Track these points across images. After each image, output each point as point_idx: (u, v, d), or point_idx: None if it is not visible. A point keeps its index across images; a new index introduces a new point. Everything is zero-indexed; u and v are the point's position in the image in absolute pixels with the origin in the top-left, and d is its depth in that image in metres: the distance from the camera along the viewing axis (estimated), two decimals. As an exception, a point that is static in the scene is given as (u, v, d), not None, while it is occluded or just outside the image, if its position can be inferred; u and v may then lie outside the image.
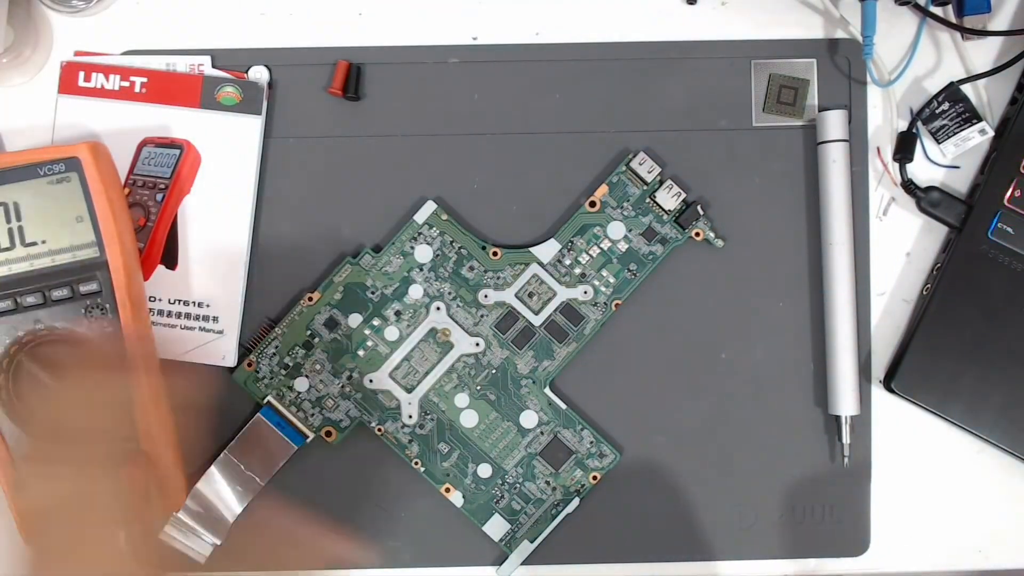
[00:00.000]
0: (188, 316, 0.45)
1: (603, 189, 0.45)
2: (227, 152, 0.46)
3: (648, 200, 0.45)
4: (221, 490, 0.44)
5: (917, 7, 0.46)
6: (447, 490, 0.45)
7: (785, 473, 0.46)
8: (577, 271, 0.45)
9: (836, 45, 0.47)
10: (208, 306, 0.46)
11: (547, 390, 0.45)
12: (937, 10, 0.46)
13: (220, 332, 0.45)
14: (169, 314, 0.46)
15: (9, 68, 0.46)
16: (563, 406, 0.45)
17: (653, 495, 0.46)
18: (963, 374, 0.44)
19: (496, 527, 0.45)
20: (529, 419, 0.45)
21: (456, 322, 0.45)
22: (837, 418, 0.45)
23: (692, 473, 0.46)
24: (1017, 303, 0.44)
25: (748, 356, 0.46)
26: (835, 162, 0.45)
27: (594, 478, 0.45)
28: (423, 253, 0.45)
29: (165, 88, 0.46)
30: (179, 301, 0.46)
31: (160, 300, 0.46)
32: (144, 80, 0.46)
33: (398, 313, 0.45)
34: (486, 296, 0.45)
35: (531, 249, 0.45)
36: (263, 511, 0.44)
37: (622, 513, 0.46)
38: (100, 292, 0.41)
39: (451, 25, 0.47)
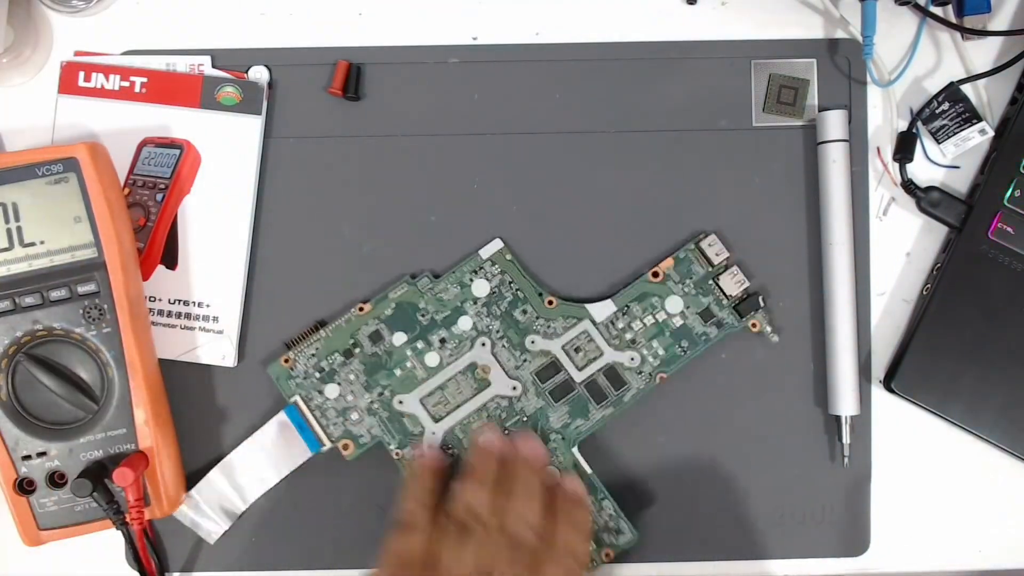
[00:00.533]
0: (188, 316, 0.45)
1: (669, 262, 0.45)
2: (227, 152, 0.46)
3: (711, 282, 0.45)
4: (235, 479, 0.44)
5: (917, 7, 0.46)
6: None
7: (785, 473, 0.46)
8: (628, 336, 0.45)
9: (836, 45, 0.47)
10: (208, 306, 0.46)
11: (575, 450, 0.45)
12: (937, 10, 0.46)
13: (220, 332, 0.45)
14: (169, 314, 0.46)
15: (9, 68, 0.46)
16: (588, 470, 0.45)
17: (653, 495, 0.46)
18: (963, 374, 0.44)
19: None
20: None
21: (498, 361, 0.45)
22: (837, 418, 0.45)
23: (692, 473, 0.46)
24: (1017, 303, 0.44)
25: (748, 356, 0.46)
26: (835, 162, 0.45)
27: (607, 555, 0.44)
28: (480, 288, 0.45)
29: (165, 88, 0.46)
30: (179, 301, 0.46)
31: (160, 300, 0.46)
32: (144, 80, 0.46)
33: (443, 341, 0.45)
34: (533, 342, 0.45)
35: (587, 306, 0.45)
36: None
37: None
38: (98, 292, 0.41)
39: (451, 25, 0.47)
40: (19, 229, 0.41)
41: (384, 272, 0.46)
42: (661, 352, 0.45)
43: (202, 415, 0.46)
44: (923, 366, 0.45)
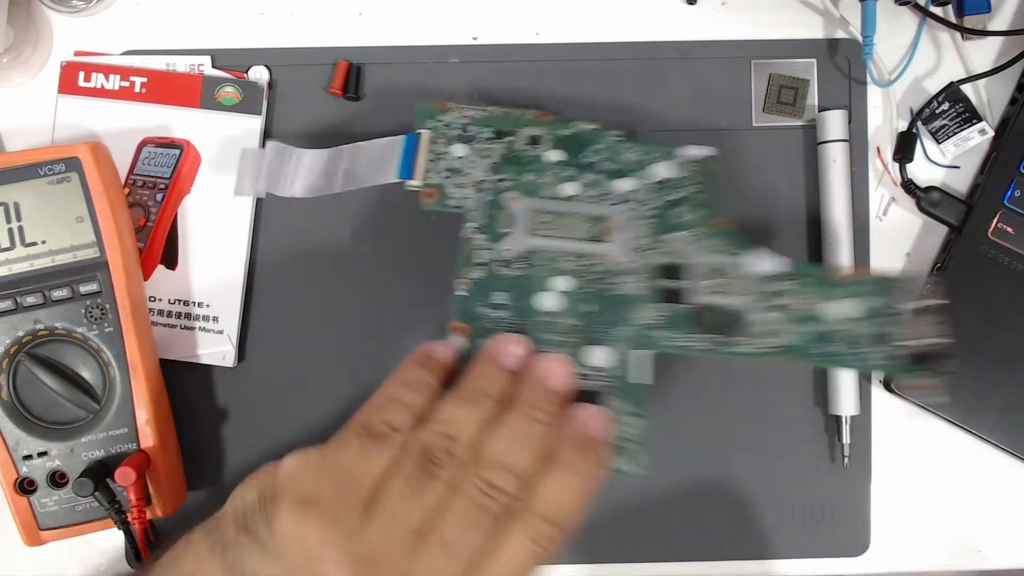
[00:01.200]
0: (188, 316, 0.45)
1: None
2: (227, 152, 0.46)
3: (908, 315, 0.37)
4: (303, 164, 0.43)
5: (917, 7, 0.46)
6: (455, 329, 0.38)
7: (785, 473, 0.46)
8: (777, 301, 0.37)
9: (836, 45, 0.47)
10: (208, 306, 0.46)
11: (637, 352, 0.38)
12: (937, 10, 0.46)
13: (220, 332, 0.45)
14: (169, 314, 0.46)
15: (9, 68, 0.46)
16: (642, 379, 0.37)
17: (652, 495, 0.46)
18: (963, 374, 0.44)
19: None
20: (599, 357, 0.37)
21: (631, 230, 0.39)
22: (837, 418, 0.45)
23: (692, 473, 0.46)
24: (1017, 303, 0.44)
25: (748, 356, 0.46)
26: (835, 162, 0.45)
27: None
28: (662, 171, 0.40)
29: (165, 88, 0.46)
30: (179, 301, 0.46)
31: (160, 300, 0.46)
32: (144, 80, 0.46)
33: (594, 183, 0.40)
34: (681, 237, 0.39)
35: (752, 252, 0.38)
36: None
37: (622, 513, 0.45)
38: (100, 292, 0.41)
39: (451, 25, 0.47)
40: (21, 229, 0.41)
41: (385, 272, 0.46)
42: (796, 340, 0.37)
43: (202, 415, 0.46)
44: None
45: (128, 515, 0.41)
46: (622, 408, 0.37)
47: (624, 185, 0.40)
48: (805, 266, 0.38)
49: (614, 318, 0.38)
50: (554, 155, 0.41)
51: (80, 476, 0.41)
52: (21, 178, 0.41)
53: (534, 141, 0.41)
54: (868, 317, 0.37)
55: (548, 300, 0.38)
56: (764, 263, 0.38)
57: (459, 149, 0.41)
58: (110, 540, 0.45)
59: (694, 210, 0.39)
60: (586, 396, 0.37)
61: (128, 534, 0.42)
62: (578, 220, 0.39)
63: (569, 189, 0.40)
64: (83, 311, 0.41)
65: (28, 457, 0.41)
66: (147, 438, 0.42)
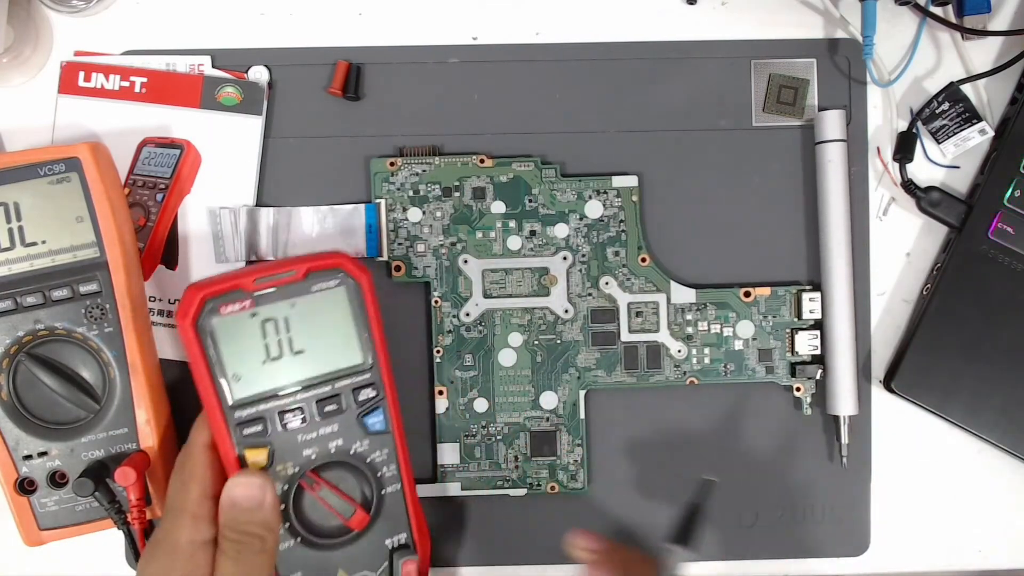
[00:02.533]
0: (188, 316, 0.45)
1: (766, 291, 0.45)
2: (227, 152, 0.46)
3: (789, 331, 0.45)
4: (278, 231, 0.45)
5: (917, 7, 0.46)
6: (440, 392, 0.45)
7: (785, 473, 0.46)
8: (689, 330, 0.45)
9: (836, 45, 0.47)
10: (208, 306, 0.46)
11: (582, 392, 0.45)
12: (937, 10, 0.46)
13: (220, 332, 0.45)
14: (169, 314, 0.46)
15: (9, 68, 0.46)
16: (582, 416, 0.45)
17: (652, 495, 0.46)
18: (963, 374, 0.44)
19: (450, 454, 0.45)
20: (548, 401, 0.46)
21: (568, 280, 0.45)
22: (836, 418, 0.45)
23: (692, 473, 0.46)
24: (1017, 303, 0.44)
25: (748, 356, 0.46)
26: (832, 162, 0.45)
27: (552, 488, 0.45)
28: (593, 209, 0.45)
29: (165, 88, 0.46)
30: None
31: (160, 300, 0.46)
32: (144, 80, 0.46)
33: (533, 233, 0.45)
34: (607, 283, 0.45)
35: (672, 282, 0.45)
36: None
37: (622, 513, 0.46)
38: (100, 292, 0.41)
39: (451, 25, 0.47)
40: (21, 229, 0.41)
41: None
42: (706, 360, 0.45)
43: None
44: (923, 366, 0.45)
45: (128, 515, 0.41)
46: (570, 441, 0.45)
47: (560, 232, 0.45)
48: (715, 291, 0.45)
49: (560, 365, 0.45)
50: (497, 206, 0.45)
51: (80, 476, 0.41)
52: (21, 178, 0.41)
53: (479, 194, 0.45)
54: (762, 334, 0.45)
55: (506, 357, 0.45)
56: (678, 293, 0.45)
57: (414, 214, 0.45)
58: (109, 540, 0.45)
59: (622, 247, 0.45)
60: (541, 435, 0.45)
61: (128, 534, 0.42)
62: (523, 275, 0.45)
63: (513, 243, 0.45)
64: (83, 311, 0.41)
65: (28, 457, 0.41)
66: (147, 438, 0.42)
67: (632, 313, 0.45)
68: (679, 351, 0.45)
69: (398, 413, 0.41)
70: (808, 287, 0.45)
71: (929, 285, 0.46)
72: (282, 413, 0.39)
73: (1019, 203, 0.45)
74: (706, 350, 0.45)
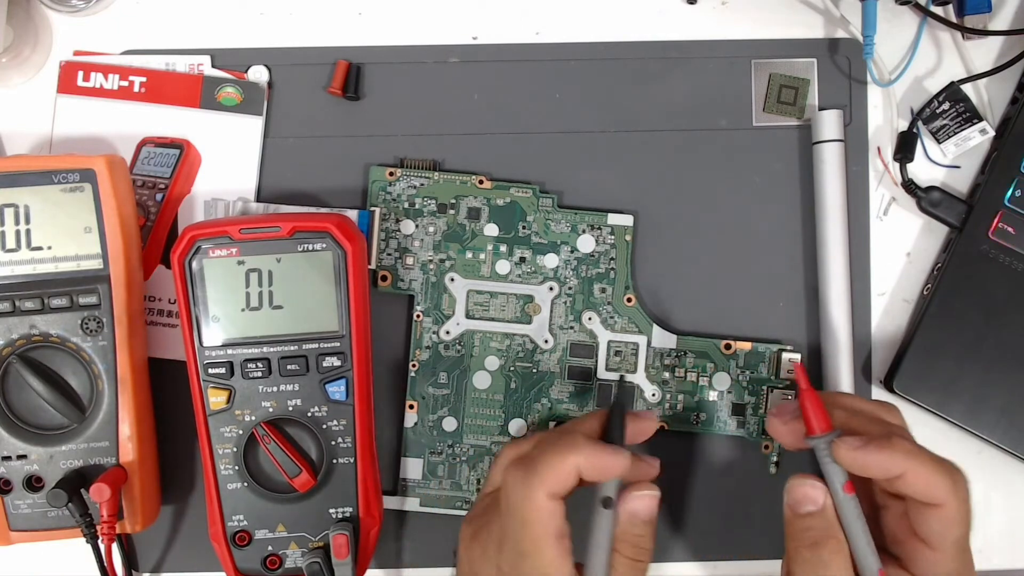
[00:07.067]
0: (188, 316, 0.45)
1: (746, 346, 0.45)
2: (227, 152, 0.46)
3: (764, 388, 0.45)
4: None
5: (917, 7, 0.46)
6: (411, 406, 0.45)
7: (785, 473, 0.46)
8: (665, 375, 0.45)
9: (836, 45, 0.47)
10: (208, 306, 0.45)
11: (552, 424, 0.45)
12: (938, 10, 0.46)
13: (220, 332, 0.45)
14: (169, 314, 0.46)
15: (9, 68, 0.46)
16: None
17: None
18: (963, 374, 0.44)
19: (413, 468, 0.45)
20: (517, 428, 0.45)
21: (551, 311, 0.45)
22: (837, 418, 0.45)
23: (691, 474, 0.46)
24: (1017, 303, 0.44)
25: (748, 356, 0.46)
26: (829, 162, 0.45)
27: None
28: (585, 244, 0.45)
29: (165, 88, 0.46)
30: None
31: (160, 300, 0.46)
32: (144, 80, 0.46)
33: (523, 259, 0.45)
34: (590, 319, 0.45)
35: (655, 326, 0.45)
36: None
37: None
38: (99, 305, 0.41)
39: (451, 25, 0.47)
40: (28, 232, 0.41)
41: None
42: (678, 408, 0.45)
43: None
44: (923, 366, 0.45)
45: (98, 528, 0.41)
46: None
47: (550, 262, 0.45)
48: (696, 339, 0.45)
49: (533, 394, 0.45)
50: (490, 229, 0.45)
51: (55, 487, 0.40)
52: (34, 182, 0.41)
53: (473, 215, 0.45)
54: (738, 388, 0.45)
55: (481, 379, 0.45)
56: (658, 336, 0.45)
57: (407, 226, 0.45)
58: (83, 543, 0.44)
59: (609, 284, 0.45)
60: None
61: (95, 548, 0.41)
62: (508, 301, 0.45)
63: (501, 267, 0.45)
64: (79, 322, 0.41)
65: (7, 458, 0.41)
66: (127, 453, 0.42)
67: (611, 351, 0.45)
68: (653, 394, 0.45)
69: (366, 390, 0.41)
70: (789, 347, 0.45)
71: (929, 285, 0.46)
72: (246, 361, 0.40)
73: (1020, 203, 0.45)
74: (679, 397, 0.45)
